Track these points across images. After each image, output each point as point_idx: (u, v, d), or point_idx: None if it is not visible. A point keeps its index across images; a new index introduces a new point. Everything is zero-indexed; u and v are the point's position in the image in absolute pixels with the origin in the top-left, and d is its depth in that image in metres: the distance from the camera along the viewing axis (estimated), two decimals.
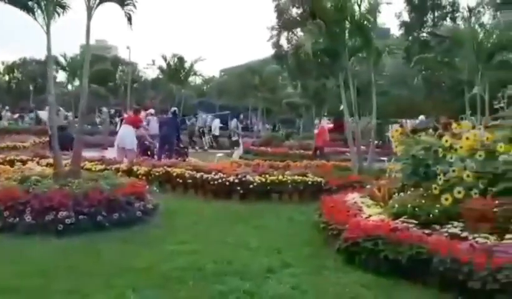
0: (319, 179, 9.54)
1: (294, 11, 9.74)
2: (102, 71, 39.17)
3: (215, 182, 9.10)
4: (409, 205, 5.44)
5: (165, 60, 30.56)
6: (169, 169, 9.68)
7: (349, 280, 4.82)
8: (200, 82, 50.54)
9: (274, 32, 9.32)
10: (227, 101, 46.78)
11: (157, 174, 9.75)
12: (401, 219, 5.42)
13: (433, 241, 4.84)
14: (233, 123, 17.04)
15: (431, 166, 5.71)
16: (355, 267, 5.17)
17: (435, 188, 5.56)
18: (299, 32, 9.81)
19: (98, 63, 38.46)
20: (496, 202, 5.14)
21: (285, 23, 9.51)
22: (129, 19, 8.44)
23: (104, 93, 34.78)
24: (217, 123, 25.79)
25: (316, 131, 19.16)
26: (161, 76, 38.77)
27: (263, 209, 8.29)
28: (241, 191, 8.98)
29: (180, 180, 9.50)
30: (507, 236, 4.84)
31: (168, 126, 14.98)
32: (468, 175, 5.37)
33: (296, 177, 9.37)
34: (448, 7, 47.71)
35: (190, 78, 36.06)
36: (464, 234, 5.03)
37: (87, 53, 7.80)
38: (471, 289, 4.30)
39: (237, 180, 9.00)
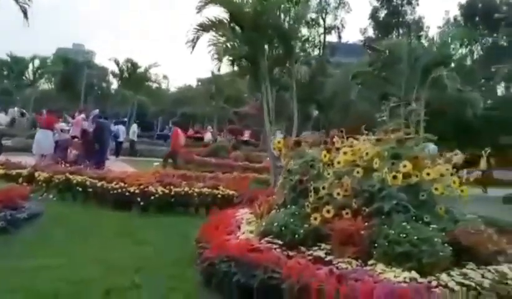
0: (231, 192, 9.06)
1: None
2: (66, 75, 38.36)
3: (115, 191, 8.51)
4: (275, 224, 4.97)
5: (118, 64, 29.79)
6: (70, 176, 9.05)
7: None
8: (175, 90, 49.68)
9: (192, 35, 8.77)
10: (190, 110, 46.27)
11: (57, 181, 9.11)
12: (267, 239, 4.96)
13: (289, 265, 4.38)
14: None
15: (304, 181, 5.29)
16: (211, 291, 4.70)
17: (308, 206, 5.13)
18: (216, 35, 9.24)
19: (66, 67, 37.65)
20: (366, 223, 4.75)
21: (203, 25, 8.99)
22: (25, 13, 7.85)
23: (55, 95, 33.65)
24: (123, 129, 24.47)
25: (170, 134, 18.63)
26: None
27: (160, 222, 7.76)
28: (142, 203, 8.41)
29: (81, 189, 8.87)
30: (370, 261, 4.44)
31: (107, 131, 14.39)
32: (338, 193, 4.96)
33: (204, 190, 8.87)
34: (412, 25, 48.53)
35: (163, 86, 35.49)
36: (329, 258, 4.62)
37: None
38: None
39: (137, 191, 8.43)
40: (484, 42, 42.96)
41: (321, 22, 48.00)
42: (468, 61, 41.20)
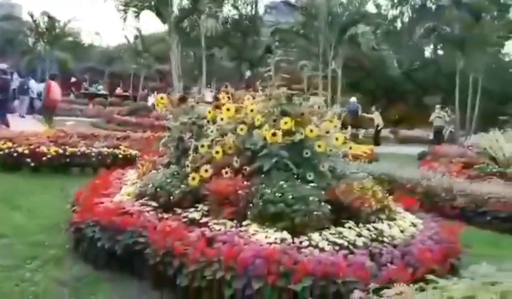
0: (133, 152, 8.62)
1: None
2: None
3: (2, 152, 7.84)
4: (150, 185, 4.65)
5: (32, 17, 27.70)
6: None
7: (53, 274, 3.97)
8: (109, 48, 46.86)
9: None
10: (120, 68, 44.20)
11: None
12: (141, 201, 4.63)
13: (158, 228, 4.09)
14: None
15: (185, 139, 4.97)
16: (77, 258, 4.35)
17: (188, 165, 4.82)
18: None
19: None
20: (245, 183, 4.51)
21: None
22: None
23: None
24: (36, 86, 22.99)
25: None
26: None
27: (49, 185, 7.22)
28: (33, 164, 7.81)
29: None
30: (245, 222, 4.23)
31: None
32: (217, 152, 4.68)
33: (103, 150, 8.37)
34: None
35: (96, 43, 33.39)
36: (205, 219, 4.37)
37: None
38: (180, 287, 3.64)
39: (27, 151, 7.80)
40: (414, 3, 43.65)
41: None
42: (399, 23, 41.89)
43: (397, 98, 31.21)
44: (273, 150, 4.59)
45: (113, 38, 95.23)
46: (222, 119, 4.94)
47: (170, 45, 9.08)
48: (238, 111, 5.05)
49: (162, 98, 5.37)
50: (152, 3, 8.78)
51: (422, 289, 2.27)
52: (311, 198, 4.19)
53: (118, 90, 37.19)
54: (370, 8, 34.62)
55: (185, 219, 4.36)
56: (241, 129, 4.86)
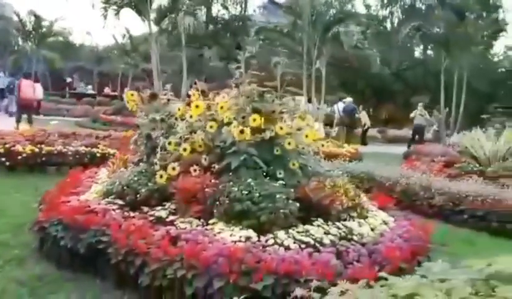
0: (112, 151, 8.53)
1: None
2: None
3: None
4: (117, 183, 4.57)
5: (18, 16, 27.41)
6: None
7: (14, 274, 3.89)
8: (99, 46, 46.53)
9: None
10: (109, 67, 43.91)
11: None
12: (107, 199, 4.55)
13: (123, 227, 4.01)
14: None
15: (153, 137, 4.90)
16: (41, 257, 4.28)
17: (156, 163, 4.75)
18: None
19: None
20: (212, 181, 4.44)
21: None
22: None
23: None
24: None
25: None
26: None
27: (24, 184, 7.12)
28: (8, 163, 7.70)
29: None
30: (211, 220, 4.17)
31: None
32: (184, 149, 4.61)
33: (81, 149, 8.27)
34: None
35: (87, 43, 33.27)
36: (172, 218, 4.30)
37: None
38: (142, 286, 3.58)
39: (2, 150, 7.69)
40: (403, 3, 43.87)
41: None
42: (389, 24, 42.07)
43: (386, 97, 31.31)
44: (242, 147, 4.52)
45: (102, 37, 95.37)
46: (190, 116, 4.87)
47: (150, 43, 8.99)
48: (209, 108, 4.99)
49: (132, 95, 5.29)
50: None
51: (370, 287, 2.22)
52: (278, 196, 4.12)
53: (107, 90, 36.97)
54: (360, 8, 34.73)
55: (152, 218, 4.29)
56: (211, 127, 4.79)
